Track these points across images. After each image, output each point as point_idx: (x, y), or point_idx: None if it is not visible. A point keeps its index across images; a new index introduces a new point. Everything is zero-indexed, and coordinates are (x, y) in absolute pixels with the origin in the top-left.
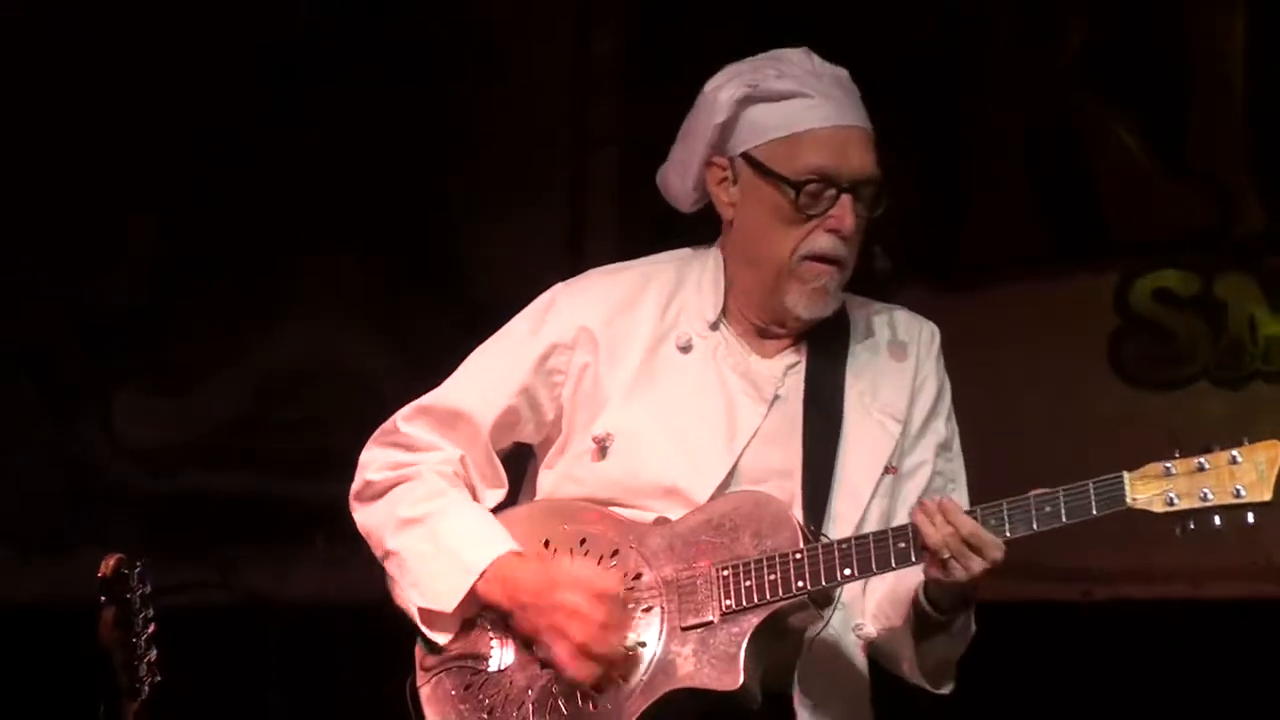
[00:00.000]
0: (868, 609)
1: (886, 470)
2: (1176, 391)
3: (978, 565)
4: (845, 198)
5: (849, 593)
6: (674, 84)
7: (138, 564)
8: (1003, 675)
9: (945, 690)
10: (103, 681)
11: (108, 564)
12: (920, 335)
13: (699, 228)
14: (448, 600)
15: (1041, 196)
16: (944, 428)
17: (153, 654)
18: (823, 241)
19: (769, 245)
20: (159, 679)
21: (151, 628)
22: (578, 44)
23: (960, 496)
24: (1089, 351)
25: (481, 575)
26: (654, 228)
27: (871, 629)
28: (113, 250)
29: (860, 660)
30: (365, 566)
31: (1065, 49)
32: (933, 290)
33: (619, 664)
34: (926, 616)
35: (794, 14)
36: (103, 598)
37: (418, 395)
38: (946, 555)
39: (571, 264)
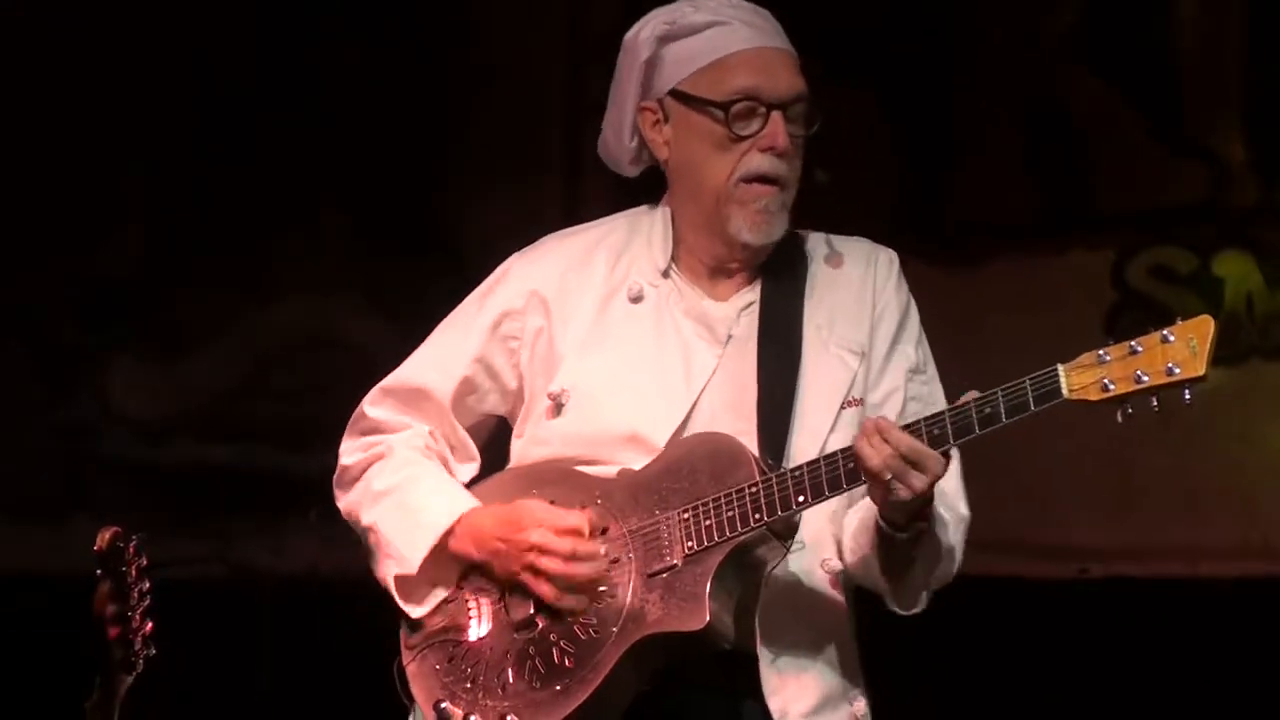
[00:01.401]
0: (844, 542)
1: (846, 404)
2: None
3: (920, 482)
4: (775, 115)
5: (814, 528)
6: None
7: (134, 537)
8: (998, 652)
9: (914, 611)
10: (98, 654)
11: (103, 537)
12: (878, 263)
13: None
14: (413, 561)
15: (1037, 171)
16: (913, 352)
17: (148, 627)
18: (758, 161)
19: (706, 174)
20: (153, 652)
21: (147, 601)
22: (574, 19)
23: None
24: (1086, 327)
25: (450, 532)
26: (649, 203)
27: (838, 563)
28: (108, 220)
29: (831, 594)
30: (359, 540)
31: (1060, 22)
32: (928, 265)
33: (591, 595)
34: (889, 538)
35: None
36: (99, 571)
37: None
38: (889, 476)
39: None
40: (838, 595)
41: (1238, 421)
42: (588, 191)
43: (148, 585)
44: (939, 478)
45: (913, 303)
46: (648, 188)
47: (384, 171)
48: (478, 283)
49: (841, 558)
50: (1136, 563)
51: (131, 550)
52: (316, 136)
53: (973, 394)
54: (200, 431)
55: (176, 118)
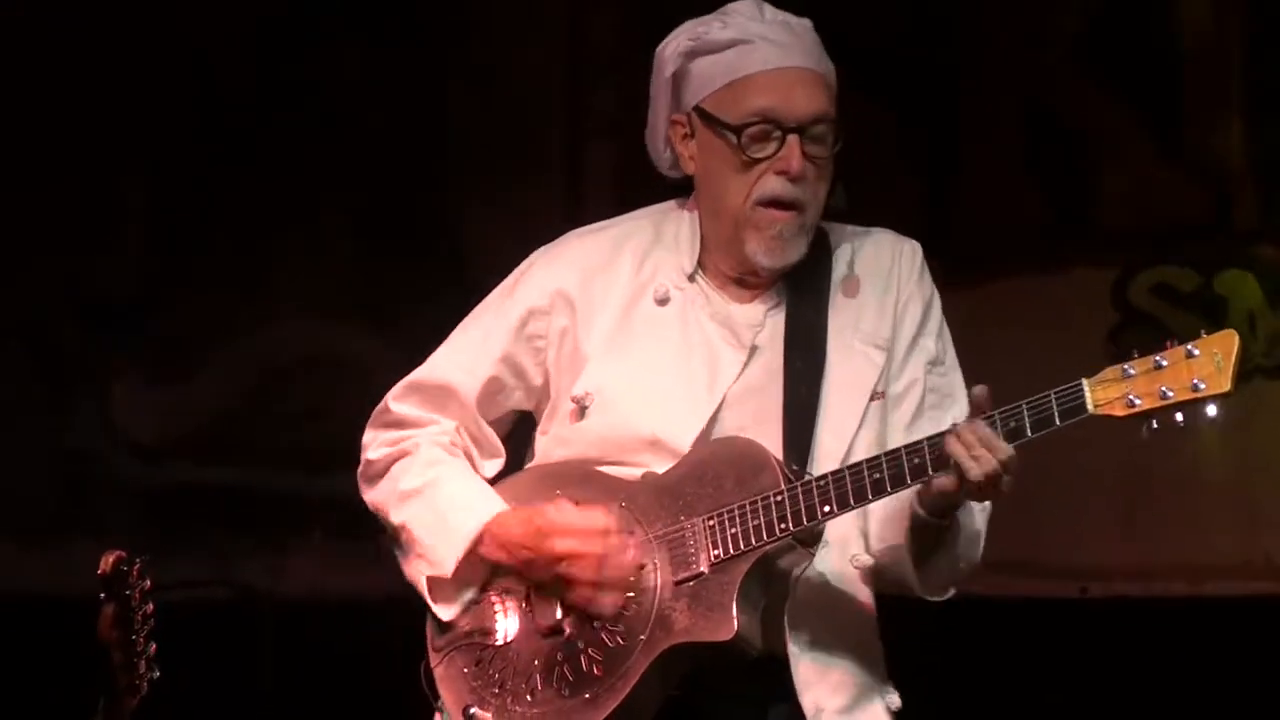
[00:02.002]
0: (871, 531)
1: (873, 397)
2: None
3: (1008, 486)
4: (792, 138)
5: (841, 525)
6: None
7: (137, 561)
8: (999, 671)
9: (944, 598)
10: (101, 677)
11: (107, 561)
12: (901, 255)
13: None
14: (448, 564)
15: (1041, 189)
16: (933, 344)
17: (151, 650)
18: (772, 184)
19: (724, 195)
20: (157, 674)
21: (150, 624)
22: (576, 27)
23: (959, 411)
24: (1087, 346)
25: (479, 540)
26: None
27: (868, 557)
28: (109, 240)
29: (861, 592)
30: (362, 561)
31: (1065, 39)
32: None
33: (629, 587)
34: (925, 526)
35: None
36: (102, 595)
37: None
38: (988, 483)
39: None
40: (867, 591)
41: (1241, 440)
42: (588, 197)
43: (151, 608)
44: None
45: (936, 294)
46: (652, 191)
47: (386, 188)
48: (478, 292)
49: (868, 550)
50: (1138, 582)
51: (135, 574)
52: (317, 145)
53: (982, 388)
54: (202, 453)
55: (176, 137)
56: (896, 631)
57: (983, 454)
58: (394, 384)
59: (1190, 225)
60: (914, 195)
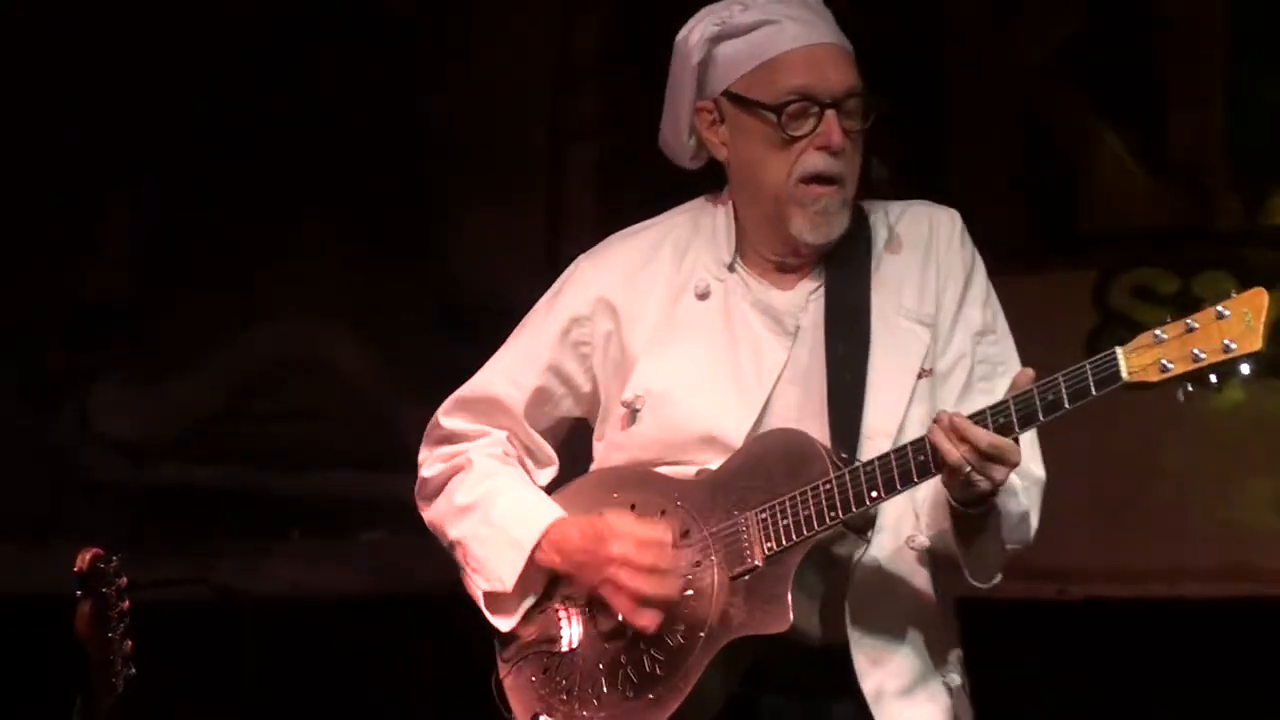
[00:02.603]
0: (921, 516)
1: (921, 374)
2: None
3: (999, 473)
4: (829, 113)
5: (896, 509)
6: (653, 78)
7: (114, 558)
8: (978, 671)
9: (992, 583)
10: (78, 674)
11: (84, 558)
12: (939, 225)
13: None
14: (507, 579)
15: (1021, 191)
16: (978, 315)
17: (128, 647)
18: (814, 160)
19: (764, 175)
20: (134, 672)
21: (127, 622)
22: (558, 37)
23: (1008, 378)
24: (1067, 348)
25: (537, 546)
26: (633, 220)
27: (924, 539)
28: (92, 243)
29: (919, 574)
30: (340, 561)
31: (1046, 43)
32: None
33: (675, 605)
34: (960, 515)
35: None
36: (79, 592)
37: (395, 389)
38: (967, 470)
39: (550, 256)
40: (925, 573)
41: (1218, 442)
42: (572, 210)
43: (128, 605)
44: (1016, 466)
45: (978, 259)
46: (634, 195)
47: (367, 194)
48: (461, 305)
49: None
50: (1117, 583)
51: (112, 571)
52: (300, 150)
53: (1027, 373)
54: (182, 453)
55: (161, 143)
56: None
57: (955, 440)
58: (372, 385)
59: (1170, 227)
60: (895, 199)
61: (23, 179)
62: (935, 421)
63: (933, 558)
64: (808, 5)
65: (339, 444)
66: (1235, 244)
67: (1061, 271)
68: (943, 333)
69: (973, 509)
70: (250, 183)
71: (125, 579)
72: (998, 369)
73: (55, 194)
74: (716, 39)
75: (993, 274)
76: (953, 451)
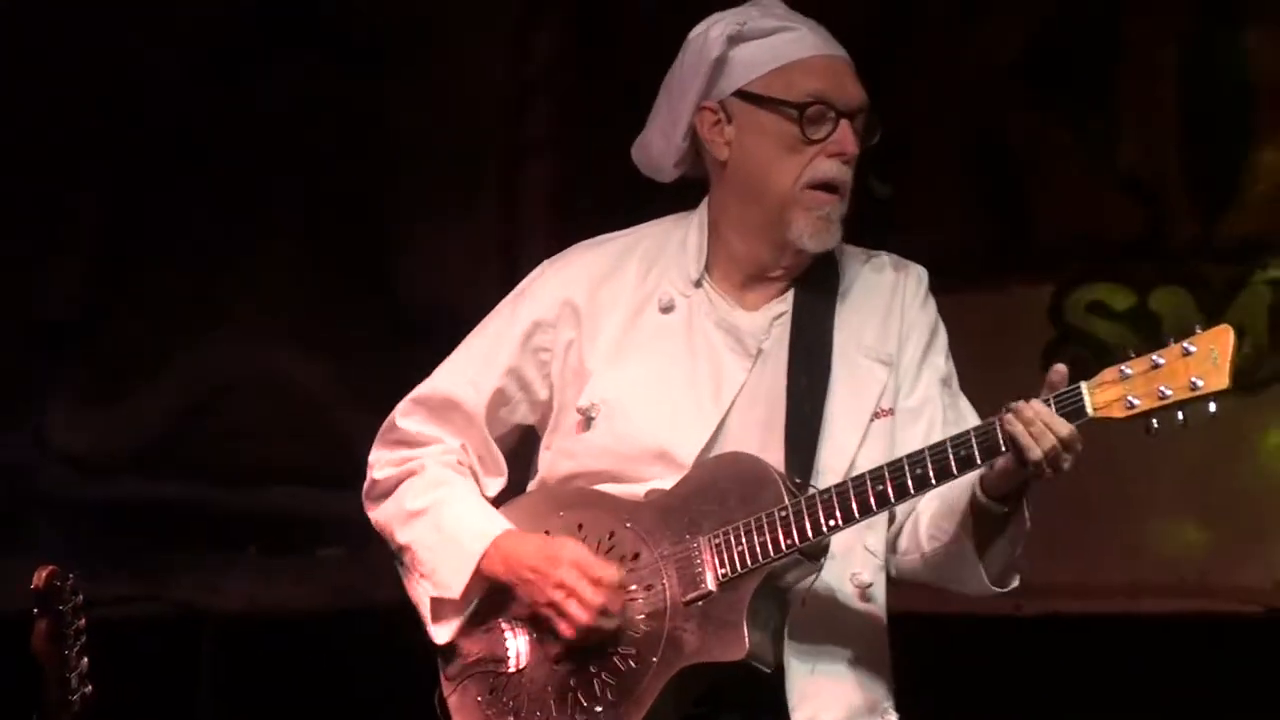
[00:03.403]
0: (921, 530)
1: (876, 415)
2: None
3: (1068, 463)
4: (844, 122)
5: (843, 542)
6: (607, 94)
7: (70, 575)
8: (934, 689)
9: (1010, 588)
10: (35, 692)
11: (40, 575)
12: (908, 279)
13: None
14: (455, 587)
15: (976, 207)
16: (943, 364)
17: (84, 665)
18: (826, 166)
19: (773, 175)
20: (90, 690)
21: (83, 639)
22: (513, 53)
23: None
24: (1023, 363)
25: (484, 555)
26: (588, 235)
27: (867, 576)
28: (48, 258)
29: (862, 609)
30: (297, 577)
31: (1001, 57)
32: None
33: (626, 628)
34: (988, 514)
35: None
36: (35, 609)
37: (349, 404)
38: (1048, 462)
39: (504, 271)
40: (867, 608)
41: (1175, 457)
42: (527, 225)
43: (84, 623)
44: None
45: (940, 321)
46: (590, 213)
47: (321, 209)
48: (416, 319)
49: (901, 552)
50: (1073, 599)
51: (69, 588)
52: (258, 173)
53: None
54: (138, 469)
55: (116, 157)
56: None
57: (1042, 431)
58: (329, 401)
59: (1125, 243)
60: (850, 214)
61: None
62: (1015, 413)
63: (886, 595)
64: (817, 23)
65: (295, 460)
66: (1190, 259)
67: (1017, 287)
68: (907, 376)
69: (1003, 506)
70: (205, 198)
71: (81, 596)
72: (960, 419)
73: (10, 209)
74: (736, 39)
75: (949, 290)
76: (1036, 447)
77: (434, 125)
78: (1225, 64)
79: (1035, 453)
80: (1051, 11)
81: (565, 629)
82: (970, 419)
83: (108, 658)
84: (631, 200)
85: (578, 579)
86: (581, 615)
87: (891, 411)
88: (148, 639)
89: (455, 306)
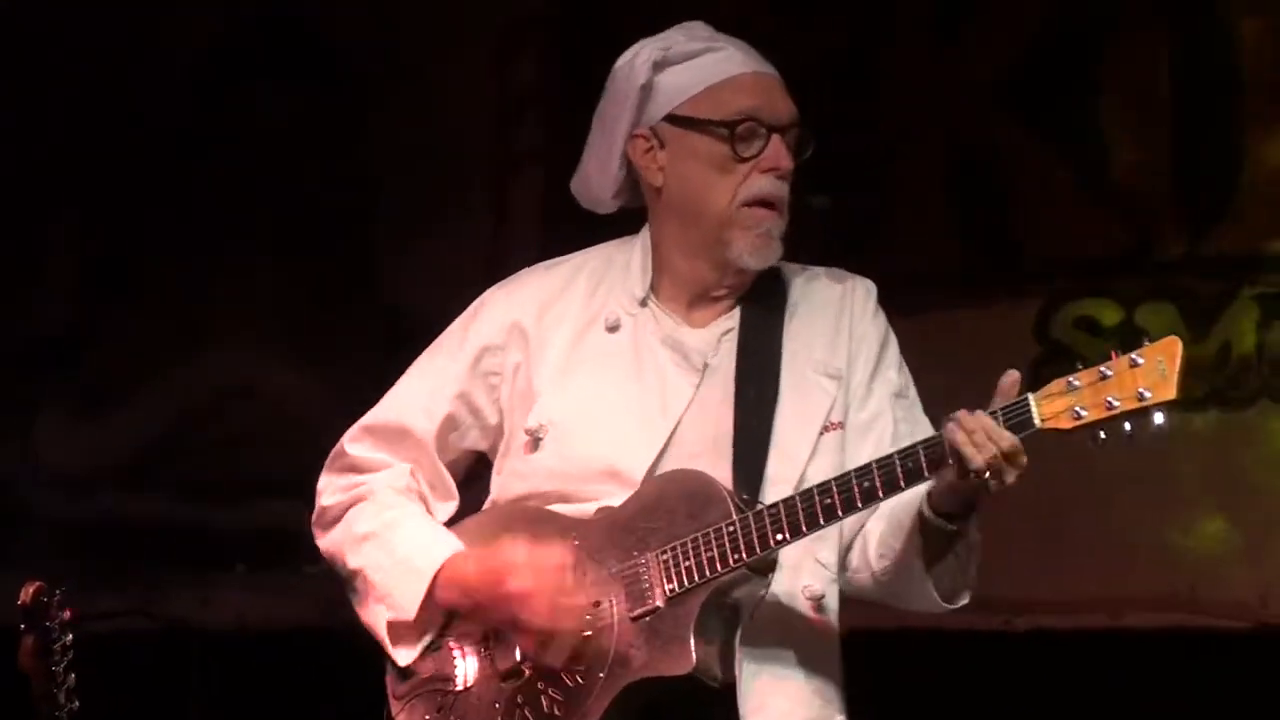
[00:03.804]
0: (871, 549)
1: (825, 429)
2: None
3: (1013, 476)
4: (776, 138)
5: (794, 555)
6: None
7: (57, 591)
8: (923, 704)
9: (959, 605)
10: (22, 708)
11: (27, 591)
12: (855, 292)
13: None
14: (409, 608)
15: (963, 222)
16: (896, 376)
17: (71, 680)
18: (761, 183)
19: (709, 196)
20: (77, 705)
21: (70, 655)
22: (501, 65)
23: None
24: None
25: (435, 580)
26: (579, 248)
27: (819, 588)
28: (32, 272)
29: (814, 621)
30: (286, 593)
31: (987, 73)
32: None
33: (575, 644)
34: (937, 531)
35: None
36: (22, 625)
37: (340, 419)
38: (988, 475)
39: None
40: (819, 620)
41: (1163, 472)
42: (513, 242)
43: (71, 639)
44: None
45: (891, 332)
46: (579, 228)
47: (310, 222)
48: (405, 334)
49: (851, 570)
50: (1061, 615)
51: (55, 604)
52: (243, 188)
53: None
54: (125, 485)
55: (101, 171)
56: None
57: (984, 441)
58: (317, 417)
59: (1112, 258)
60: (835, 230)
61: None
62: (957, 423)
63: (849, 597)
64: (743, 43)
65: (285, 475)
66: (1178, 274)
67: (1003, 303)
68: (858, 390)
69: (953, 524)
70: (194, 215)
71: (69, 612)
72: (916, 429)
73: None
74: (661, 64)
75: (934, 306)
76: (978, 455)
77: (424, 139)
78: (1213, 79)
79: (976, 461)
80: (1037, 26)
81: (529, 638)
82: (926, 429)
83: (97, 673)
84: (620, 213)
85: (527, 581)
86: (538, 619)
87: (841, 425)
88: (137, 654)
89: (446, 320)
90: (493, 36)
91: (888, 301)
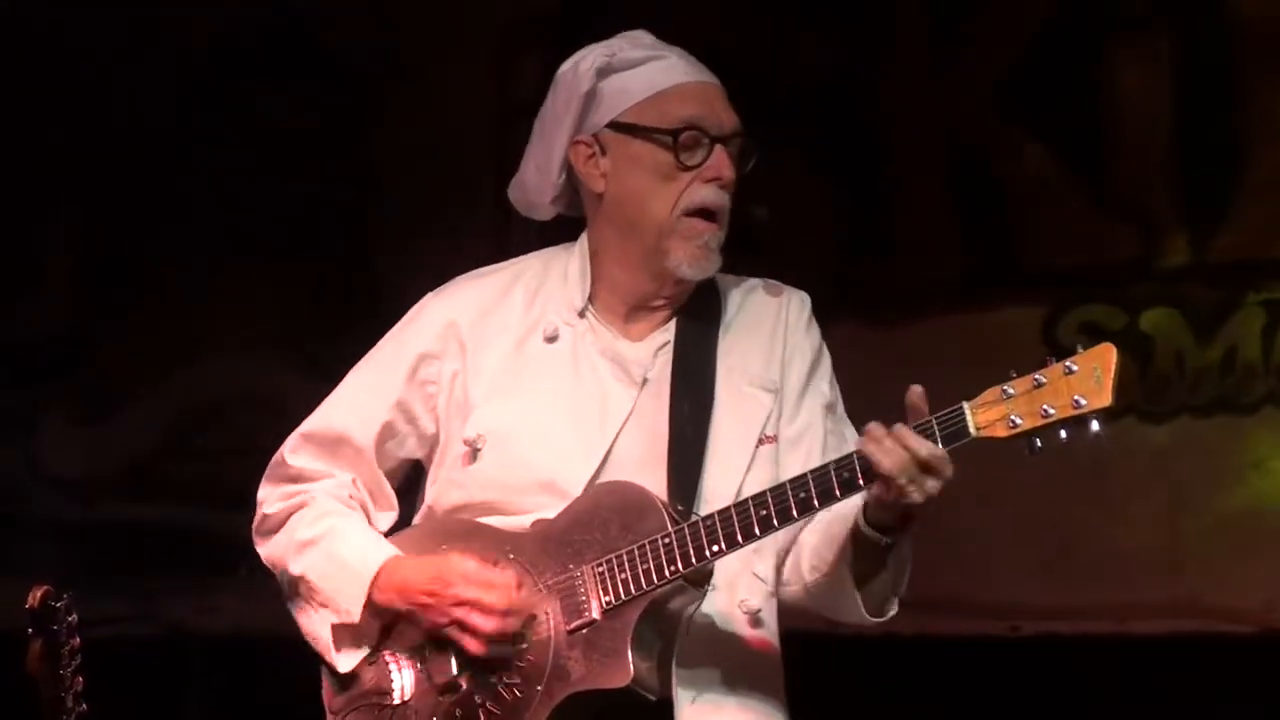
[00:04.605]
0: (804, 561)
1: (762, 441)
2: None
3: (933, 485)
4: (719, 148)
5: (729, 570)
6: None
7: (65, 596)
8: (932, 710)
9: (886, 618)
10: (29, 712)
11: (35, 595)
12: (789, 305)
13: None
14: (353, 611)
15: (968, 229)
16: (827, 389)
17: (79, 684)
18: (704, 193)
19: (649, 205)
20: (85, 709)
21: (78, 659)
22: (501, 69)
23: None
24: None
25: (374, 584)
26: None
27: (756, 602)
28: (33, 278)
29: (752, 635)
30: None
31: (991, 79)
32: (861, 324)
33: (521, 644)
34: (870, 545)
35: (712, 43)
36: (30, 629)
37: None
38: (903, 481)
39: None
40: (757, 634)
41: (1167, 478)
42: (517, 245)
43: (79, 643)
44: (949, 481)
45: (824, 345)
46: (578, 226)
47: (309, 228)
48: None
49: (784, 583)
50: (1067, 620)
51: (63, 608)
52: (242, 194)
53: (917, 389)
54: (128, 491)
55: (101, 176)
56: (828, 672)
57: (893, 447)
58: None
59: (1117, 264)
60: (843, 236)
61: None
62: (866, 433)
63: (782, 609)
64: (685, 52)
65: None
66: (1182, 280)
67: (1009, 309)
68: (789, 402)
69: (886, 536)
70: (192, 215)
71: (76, 616)
72: (845, 445)
73: None
74: (605, 71)
75: (940, 313)
76: (886, 458)
77: (425, 139)
78: (1216, 85)
79: (885, 465)
80: (1038, 33)
81: (472, 644)
82: (852, 444)
83: (101, 678)
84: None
85: (474, 590)
86: (487, 624)
87: (775, 438)
88: (140, 659)
89: None
90: (493, 36)
91: (894, 309)
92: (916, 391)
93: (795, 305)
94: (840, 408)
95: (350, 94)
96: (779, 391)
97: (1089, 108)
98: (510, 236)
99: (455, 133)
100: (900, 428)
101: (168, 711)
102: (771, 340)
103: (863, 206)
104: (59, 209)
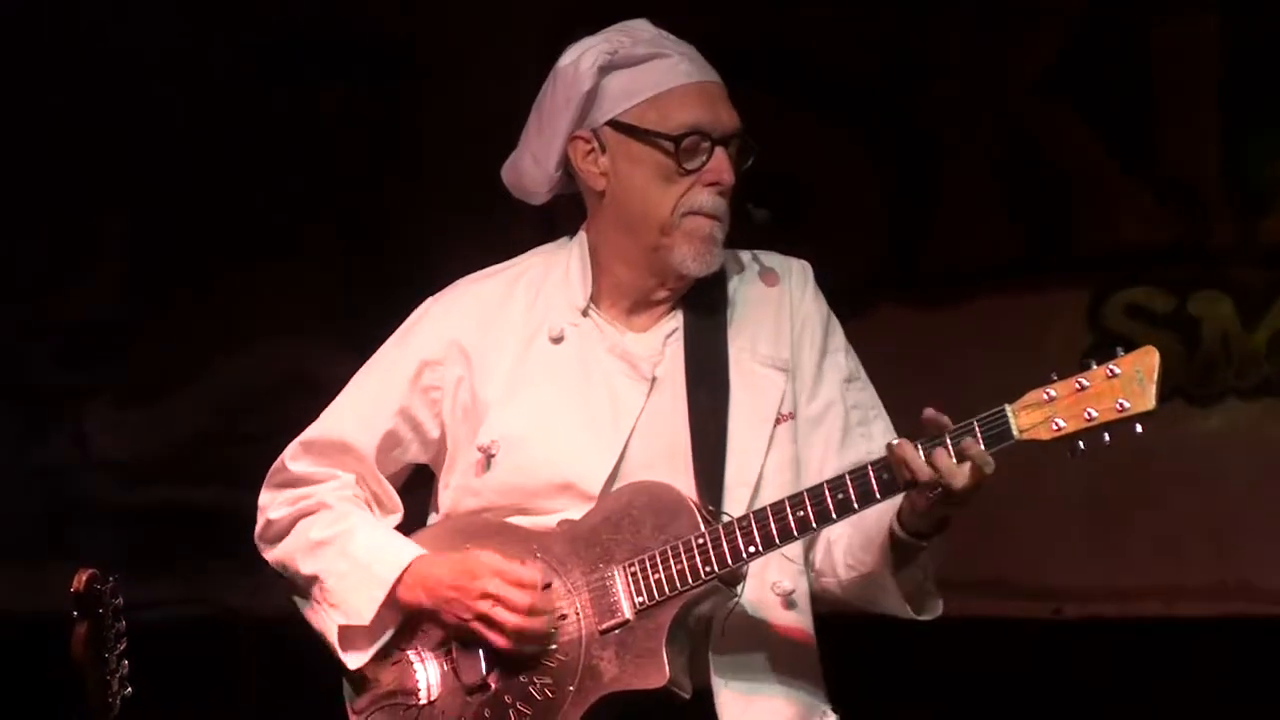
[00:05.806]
0: (837, 559)
1: (779, 420)
2: None
3: (965, 481)
4: (720, 150)
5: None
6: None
7: (110, 579)
8: (974, 692)
9: (933, 615)
10: (75, 695)
11: (80, 579)
12: (791, 275)
13: None
14: (365, 614)
15: (1015, 211)
16: (844, 361)
17: (124, 668)
18: (703, 197)
19: (650, 204)
20: (130, 692)
21: (123, 642)
22: (545, 58)
23: (882, 423)
24: (1061, 368)
25: (399, 581)
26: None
27: (788, 583)
28: (83, 262)
29: (786, 617)
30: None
31: (1038, 62)
32: (904, 305)
33: (541, 658)
34: (908, 546)
35: (758, 28)
36: (75, 612)
37: None
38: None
39: None
40: (791, 615)
41: (1214, 461)
42: (560, 232)
43: (124, 626)
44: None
45: (830, 311)
46: None
47: (354, 213)
48: None
49: (816, 573)
50: (1112, 603)
51: (108, 592)
52: (288, 179)
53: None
54: (178, 473)
55: (150, 162)
56: (870, 653)
57: (961, 467)
58: None
59: (1164, 247)
60: (891, 219)
61: (15, 200)
62: (891, 448)
63: (817, 599)
64: (687, 45)
65: None
66: (1230, 263)
67: (1055, 290)
68: (807, 379)
69: (924, 540)
70: (243, 205)
71: (121, 599)
72: (870, 414)
73: (47, 215)
74: (607, 68)
75: (987, 294)
76: (957, 479)
77: (467, 133)
78: (1265, 66)
79: (956, 484)
80: (1085, 16)
81: (498, 639)
82: (876, 413)
83: (147, 661)
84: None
85: (501, 585)
86: (512, 619)
87: (793, 416)
88: (187, 642)
89: None
90: (538, 29)
91: (941, 290)
92: (929, 412)
93: (798, 276)
94: (861, 375)
95: (396, 81)
96: (792, 370)
97: (1137, 89)
98: (555, 227)
99: (500, 118)
100: (958, 443)
101: (216, 694)
102: (778, 317)
103: (911, 190)
104: (110, 195)
